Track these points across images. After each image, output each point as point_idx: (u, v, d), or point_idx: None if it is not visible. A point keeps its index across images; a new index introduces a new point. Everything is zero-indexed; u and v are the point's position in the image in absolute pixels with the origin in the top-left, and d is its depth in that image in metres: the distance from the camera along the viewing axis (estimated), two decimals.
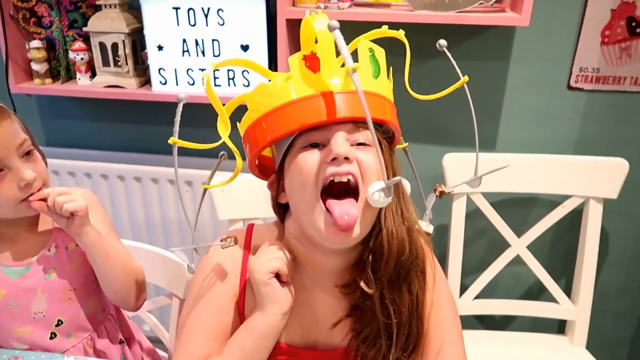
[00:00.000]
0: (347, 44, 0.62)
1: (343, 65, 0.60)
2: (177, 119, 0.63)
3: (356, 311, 0.70)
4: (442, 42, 0.69)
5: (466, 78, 0.67)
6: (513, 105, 1.35)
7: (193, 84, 1.36)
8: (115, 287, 0.95)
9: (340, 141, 0.62)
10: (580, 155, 1.30)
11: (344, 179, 0.63)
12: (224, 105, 0.68)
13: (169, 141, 0.64)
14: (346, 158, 0.62)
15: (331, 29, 0.57)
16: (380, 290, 0.68)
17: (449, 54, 0.67)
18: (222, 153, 0.69)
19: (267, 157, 0.75)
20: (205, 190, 0.73)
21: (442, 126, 1.35)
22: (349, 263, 0.71)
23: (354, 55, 0.63)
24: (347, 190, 0.64)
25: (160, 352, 1.18)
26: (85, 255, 0.95)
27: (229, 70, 1.33)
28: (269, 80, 0.72)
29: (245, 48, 1.30)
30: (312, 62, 0.62)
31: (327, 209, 0.63)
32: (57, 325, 0.95)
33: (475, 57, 1.31)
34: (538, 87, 1.33)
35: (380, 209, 0.66)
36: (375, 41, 0.67)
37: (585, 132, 1.35)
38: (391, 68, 0.69)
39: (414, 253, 0.68)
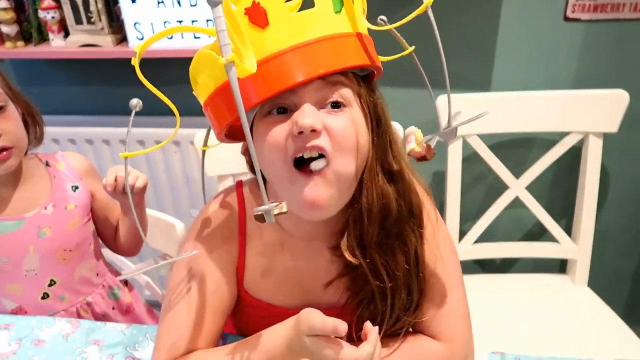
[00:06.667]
0: None
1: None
2: (222, 28, 0.47)
3: (349, 272, 0.67)
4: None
5: (430, 1, 0.56)
6: (507, 41, 1.29)
7: (171, 37, 1.29)
8: (137, 237, 1.01)
9: (306, 112, 0.56)
10: (579, 89, 1.25)
11: (314, 154, 0.57)
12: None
13: (121, 155, 0.57)
14: (313, 130, 0.55)
15: None
16: (370, 255, 0.63)
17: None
18: (135, 100, 0.60)
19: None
20: (125, 158, 0.63)
21: (434, 68, 1.29)
22: (336, 228, 0.67)
23: None
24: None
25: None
26: (84, 217, 0.97)
27: (207, 20, 1.26)
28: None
29: None
30: (257, 16, 0.53)
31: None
32: (49, 286, 0.94)
33: None
34: (533, 21, 1.26)
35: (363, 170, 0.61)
36: None
37: (583, 65, 1.30)
38: None
39: (404, 211, 0.63)
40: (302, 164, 0.58)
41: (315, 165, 0.57)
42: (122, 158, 0.61)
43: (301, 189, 0.58)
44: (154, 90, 0.58)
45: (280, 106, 0.58)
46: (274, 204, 0.52)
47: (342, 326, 0.54)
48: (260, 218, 0.52)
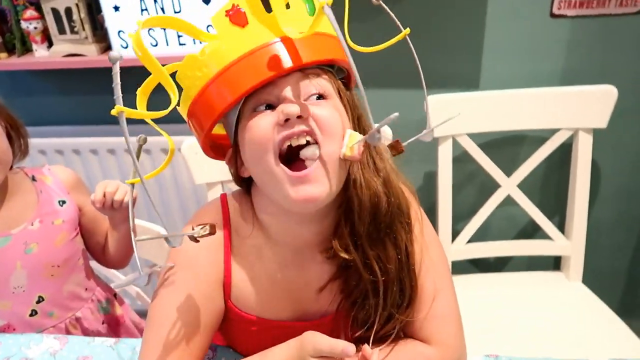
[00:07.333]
0: None
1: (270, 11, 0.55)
2: (117, 81, 0.50)
3: (342, 273, 0.66)
4: None
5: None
6: (494, 39, 1.29)
7: (156, 45, 1.28)
8: (126, 250, 1.00)
9: (290, 98, 0.56)
10: (568, 86, 1.25)
11: (302, 141, 0.57)
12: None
13: (112, 112, 0.54)
14: (299, 117, 0.56)
15: None
16: (362, 250, 0.63)
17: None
18: (140, 136, 0.59)
19: (219, 135, 0.67)
20: (132, 185, 0.60)
21: (423, 68, 1.29)
22: (327, 229, 0.66)
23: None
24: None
25: None
26: (72, 232, 0.95)
27: None
28: (200, 43, 0.62)
29: (207, 1, 1.22)
30: (237, 17, 0.56)
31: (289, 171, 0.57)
32: (37, 302, 0.93)
33: None
34: (519, 18, 1.26)
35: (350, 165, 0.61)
36: None
37: (571, 61, 1.29)
38: None
39: (393, 204, 0.63)
40: (290, 162, 0.58)
41: (306, 152, 0.57)
42: (118, 176, 0.61)
43: (292, 186, 0.57)
44: (152, 123, 0.58)
45: (264, 102, 0.58)
46: (199, 227, 0.56)
47: (350, 348, 0.55)
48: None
